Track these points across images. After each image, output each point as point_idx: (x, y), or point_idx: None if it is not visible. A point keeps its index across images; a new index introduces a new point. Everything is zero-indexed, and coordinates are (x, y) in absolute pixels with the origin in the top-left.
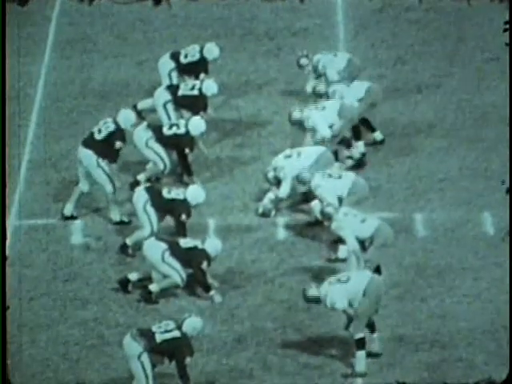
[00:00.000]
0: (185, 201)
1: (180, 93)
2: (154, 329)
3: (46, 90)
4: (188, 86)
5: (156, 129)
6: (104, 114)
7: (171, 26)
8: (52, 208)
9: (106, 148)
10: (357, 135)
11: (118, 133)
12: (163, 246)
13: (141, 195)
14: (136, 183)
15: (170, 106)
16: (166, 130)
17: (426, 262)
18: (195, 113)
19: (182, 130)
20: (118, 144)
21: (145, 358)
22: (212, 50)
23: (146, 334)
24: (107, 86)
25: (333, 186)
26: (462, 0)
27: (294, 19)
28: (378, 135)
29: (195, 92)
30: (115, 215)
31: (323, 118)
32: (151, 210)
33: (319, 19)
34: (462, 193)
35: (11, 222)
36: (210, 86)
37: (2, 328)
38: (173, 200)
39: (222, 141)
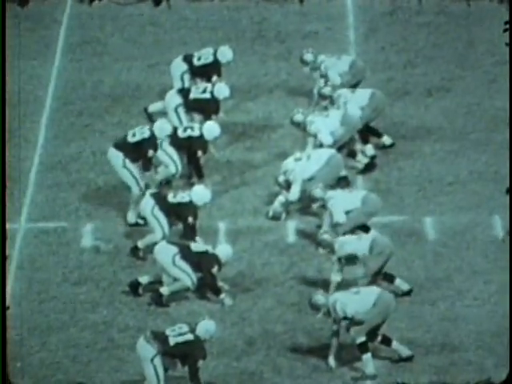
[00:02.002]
0: (191, 203)
1: (191, 96)
2: (167, 332)
3: (56, 93)
4: (199, 90)
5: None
6: (114, 116)
7: (182, 29)
8: (62, 211)
9: (137, 152)
10: (365, 139)
11: (151, 141)
12: (174, 249)
13: (147, 201)
14: (146, 186)
15: (182, 110)
16: (180, 133)
17: (436, 265)
18: (207, 116)
19: (196, 133)
20: (151, 152)
21: (157, 360)
22: (226, 53)
23: (160, 337)
24: (118, 89)
25: (344, 199)
26: (461, 1)
27: (305, 22)
28: (386, 139)
29: (207, 95)
30: (132, 217)
31: (326, 125)
32: (160, 214)
33: (329, 22)
34: (471, 196)
35: (22, 225)
36: (222, 89)
37: (2, 328)
38: (178, 204)
39: (233, 144)
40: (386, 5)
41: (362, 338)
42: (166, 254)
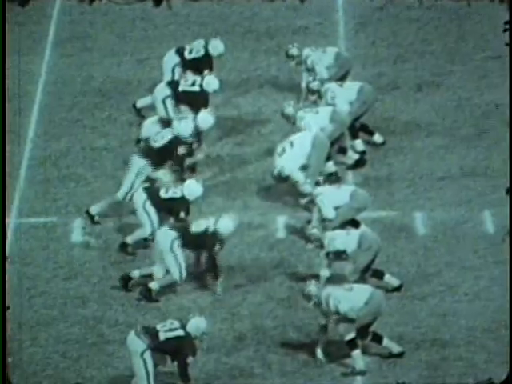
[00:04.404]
0: (182, 198)
1: (180, 88)
2: (158, 327)
3: (46, 89)
4: (188, 82)
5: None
6: (104, 111)
7: (171, 24)
8: (52, 206)
9: (165, 156)
10: (354, 135)
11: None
12: (173, 234)
13: (139, 195)
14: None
15: (169, 102)
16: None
17: (426, 261)
18: (195, 109)
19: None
20: (181, 149)
21: (147, 355)
22: (217, 46)
23: (150, 332)
24: (107, 84)
25: (333, 195)
26: (462, 0)
27: (295, 17)
28: (377, 138)
29: (196, 88)
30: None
31: (316, 121)
32: (151, 210)
33: (319, 17)
34: (462, 191)
35: (12, 220)
36: (211, 81)
37: (2, 328)
38: (170, 199)
39: (223, 139)
40: (376, 0)
41: (352, 335)
42: (165, 238)
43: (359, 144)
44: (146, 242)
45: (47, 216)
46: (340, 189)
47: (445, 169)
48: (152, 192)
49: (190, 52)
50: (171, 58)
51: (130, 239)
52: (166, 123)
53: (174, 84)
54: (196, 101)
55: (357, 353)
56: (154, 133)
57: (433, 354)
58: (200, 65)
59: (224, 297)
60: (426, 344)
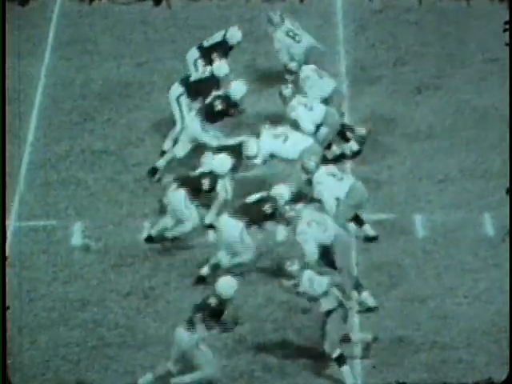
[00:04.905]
0: (211, 173)
1: (191, 79)
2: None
3: (45, 91)
4: (199, 72)
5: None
6: (104, 115)
7: (171, 27)
8: (52, 209)
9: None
10: (344, 138)
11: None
12: (240, 224)
13: (177, 194)
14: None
15: (183, 99)
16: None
17: (426, 263)
18: (207, 94)
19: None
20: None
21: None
22: (235, 34)
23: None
24: (107, 87)
25: (333, 186)
26: (461, 0)
27: (294, 20)
28: (353, 145)
29: (206, 74)
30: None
31: (308, 116)
32: (192, 206)
33: (319, 20)
34: (462, 194)
35: (11, 223)
36: (221, 66)
37: (2, 328)
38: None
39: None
40: (376, 2)
41: (338, 351)
42: (234, 228)
43: (353, 144)
44: None
45: (47, 219)
46: (342, 181)
47: (444, 171)
48: (184, 179)
49: (208, 41)
50: (192, 53)
51: (170, 234)
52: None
53: (185, 80)
54: (207, 87)
55: (346, 368)
56: None
57: (432, 356)
58: (216, 51)
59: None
60: (425, 346)
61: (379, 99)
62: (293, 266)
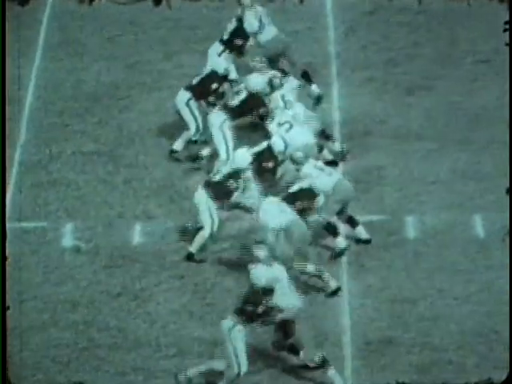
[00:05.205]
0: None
1: (194, 82)
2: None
3: (36, 93)
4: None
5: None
6: (95, 116)
7: (161, 29)
8: (43, 211)
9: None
10: (328, 138)
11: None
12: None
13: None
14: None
15: (193, 103)
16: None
17: (417, 265)
18: (208, 90)
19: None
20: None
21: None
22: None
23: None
24: (98, 89)
25: (321, 180)
26: (461, 0)
27: (285, 22)
28: (327, 155)
29: (207, 71)
30: (178, 146)
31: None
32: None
33: (310, 22)
34: (453, 195)
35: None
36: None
37: (2, 328)
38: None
39: None
40: (367, 4)
41: (320, 355)
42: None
43: (337, 145)
44: None
45: (37, 221)
46: (330, 176)
47: (435, 173)
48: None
49: (226, 34)
50: (215, 47)
51: (193, 248)
52: None
53: (188, 85)
54: (210, 81)
55: (332, 372)
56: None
57: (423, 358)
58: (237, 38)
59: (214, 301)
60: (416, 348)
61: (370, 100)
62: (259, 251)
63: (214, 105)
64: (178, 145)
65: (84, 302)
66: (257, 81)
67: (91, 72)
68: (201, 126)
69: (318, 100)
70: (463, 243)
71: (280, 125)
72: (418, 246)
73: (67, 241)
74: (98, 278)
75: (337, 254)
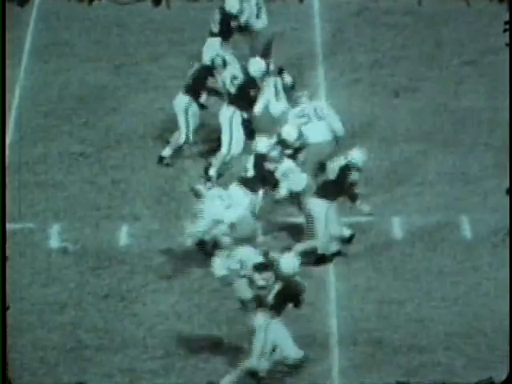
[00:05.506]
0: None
1: (189, 81)
2: None
3: (23, 94)
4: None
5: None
6: (81, 117)
7: (147, 30)
8: (29, 212)
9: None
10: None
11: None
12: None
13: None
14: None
15: (192, 110)
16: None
17: (404, 266)
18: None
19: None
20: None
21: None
22: (232, 4)
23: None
24: (84, 90)
25: (294, 179)
26: (461, 0)
27: (271, 23)
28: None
29: (207, 63)
30: (167, 152)
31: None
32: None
33: (296, 23)
34: (439, 197)
35: None
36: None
37: (2, 328)
38: None
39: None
40: (353, 5)
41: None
42: (320, 208)
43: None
44: None
45: (24, 222)
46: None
47: (422, 174)
48: None
49: (213, 27)
50: (211, 42)
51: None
52: None
53: (186, 87)
54: (202, 76)
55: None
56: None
57: (410, 359)
58: (228, 25)
59: (202, 302)
60: (403, 349)
61: (357, 102)
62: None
63: (215, 92)
64: (166, 152)
65: (71, 303)
66: (258, 66)
67: (78, 73)
68: (191, 137)
69: (292, 88)
70: (450, 244)
71: (299, 116)
72: (405, 248)
73: (54, 242)
74: (85, 279)
75: (348, 239)
